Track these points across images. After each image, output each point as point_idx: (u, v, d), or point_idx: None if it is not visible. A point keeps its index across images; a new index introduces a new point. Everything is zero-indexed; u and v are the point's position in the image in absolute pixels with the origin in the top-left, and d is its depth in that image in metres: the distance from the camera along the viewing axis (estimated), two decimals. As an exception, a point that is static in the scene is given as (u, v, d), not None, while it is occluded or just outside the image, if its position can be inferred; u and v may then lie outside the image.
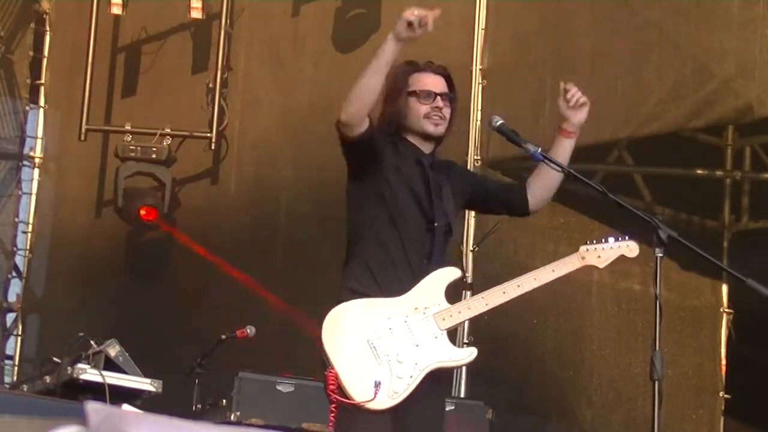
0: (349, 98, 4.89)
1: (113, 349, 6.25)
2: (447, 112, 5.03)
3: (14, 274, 10.35)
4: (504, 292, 4.91)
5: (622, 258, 5.04)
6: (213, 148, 9.33)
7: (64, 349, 6.46)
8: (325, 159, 8.87)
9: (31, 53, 10.39)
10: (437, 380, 4.78)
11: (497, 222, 7.92)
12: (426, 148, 5.02)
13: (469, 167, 8.06)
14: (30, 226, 10.29)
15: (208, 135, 9.32)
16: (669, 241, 4.47)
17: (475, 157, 8.05)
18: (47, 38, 10.38)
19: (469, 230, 8.01)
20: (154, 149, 9.34)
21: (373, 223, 4.87)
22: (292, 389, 6.80)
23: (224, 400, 6.87)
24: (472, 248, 7.95)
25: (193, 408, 7.09)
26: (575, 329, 8.18)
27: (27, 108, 10.43)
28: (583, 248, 5.05)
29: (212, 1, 9.51)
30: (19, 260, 10.34)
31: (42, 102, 10.42)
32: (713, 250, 8.14)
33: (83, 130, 9.51)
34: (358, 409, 4.59)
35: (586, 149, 7.79)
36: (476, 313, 4.87)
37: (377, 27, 8.69)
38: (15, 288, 10.35)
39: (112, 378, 6.13)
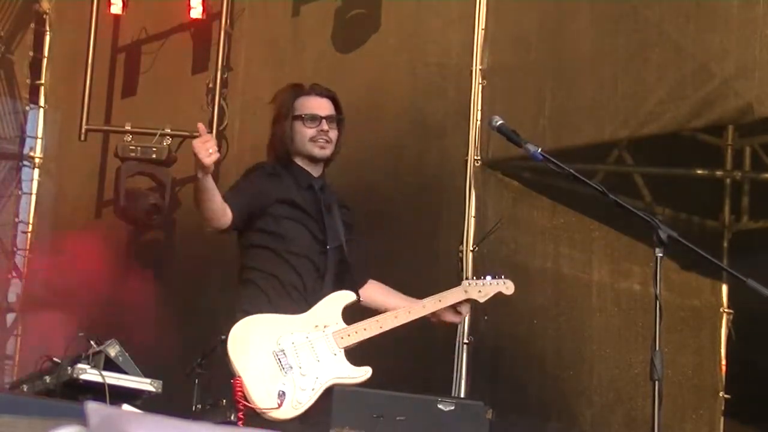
0: (203, 218, 5.09)
1: (113, 349, 6.25)
2: (333, 134, 5.22)
3: (14, 274, 10.35)
4: (396, 317, 5.22)
5: (500, 294, 5.48)
6: (213, 148, 9.32)
7: (64, 349, 6.47)
8: (325, 159, 8.88)
9: (31, 53, 10.39)
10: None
11: (497, 222, 7.92)
12: (315, 171, 5.24)
13: (469, 167, 8.06)
14: (30, 226, 10.29)
15: (208, 135, 9.31)
16: (669, 241, 4.47)
17: (475, 157, 8.04)
18: (47, 38, 10.39)
19: (469, 230, 8.00)
20: (154, 149, 9.34)
21: (264, 250, 5.11)
22: (292, 389, 6.79)
23: (224, 400, 6.87)
24: (472, 248, 7.95)
25: (193, 408, 7.09)
26: (575, 329, 8.18)
27: (27, 108, 10.43)
28: (465, 282, 5.39)
29: (212, 0, 9.51)
30: (19, 260, 10.34)
31: (42, 102, 10.42)
32: (713, 250, 8.14)
33: (83, 130, 9.51)
34: (269, 424, 4.82)
35: (586, 149, 7.83)
36: (372, 335, 5.18)
37: (377, 27, 8.69)
38: (15, 288, 10.35)
39: (112, 378, 6.12)
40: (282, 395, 4.86)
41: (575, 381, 8.16)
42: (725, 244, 8.83)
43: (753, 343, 8.54)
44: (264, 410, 4.80)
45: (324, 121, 5.20)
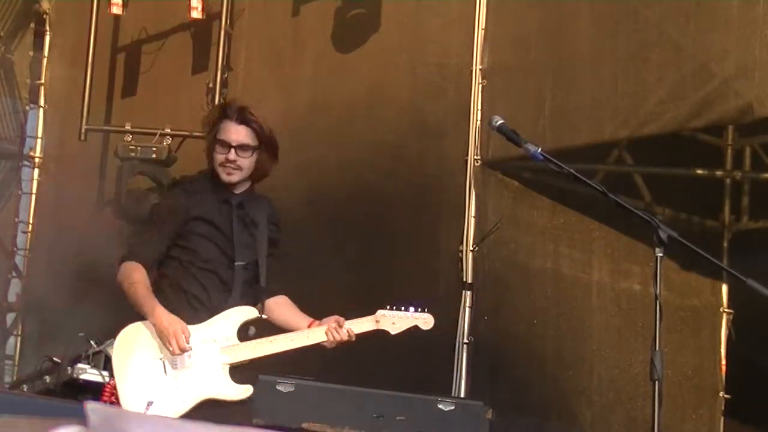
0: (120, 283, 5.35)
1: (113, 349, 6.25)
2: (243, 162, 5.31)
3: (14, 274, 10.35)
4: (292, 340, 5.23)
5: (416, 329, 5.38)
6: (213, 148, 9.32)
7: (64, 349, 6.47)
8: (325, 159, 8.88)
9: (31, 53, 10.38)
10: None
11: (497, 222, 7.92)
12: (236, 187, 5.34)
13: (469, 167, 8.06)
14: (30, 226, 10.28)
15: (208, 135, 9.31)
16: (669, 241, 4.46)
17: (475, 157, 8.04)
18: (47, 38, 10.38)
19: (469, 230, 8.00)
20: (154, 149, 9.33)
21: (175, 261, 5.22)
22: (292, 389, 6.80)
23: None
24: (472, 248, 7.95)
25: (193, 408, 7.09)
26: (575, 329, 8.18)
27: (27, 108, 10.43)
28: (380, 312, 5.36)
29: (212, 0, 9.51)
30: (19, 260, 10.34)
31: (42, 102, 10.41)
32: (713, 250, 8.13)
33: (83, 130, 9.51)
34: None
35: (586, 149, 7.83)
36: (261, 355, 5.17)
37: (377, 27, 8.70)
38: (15, 288, 10.35)
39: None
40: (149, 404, 4.90)
41: (575, 381, 8.16)
42: (725, 244, 8.82)
43: (753, 343, 8.54)
44: None
45: (233, 149, 5.30)
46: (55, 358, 6.41)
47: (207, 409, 5.00)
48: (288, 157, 9.19)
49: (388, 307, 5.25)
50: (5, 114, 10.38)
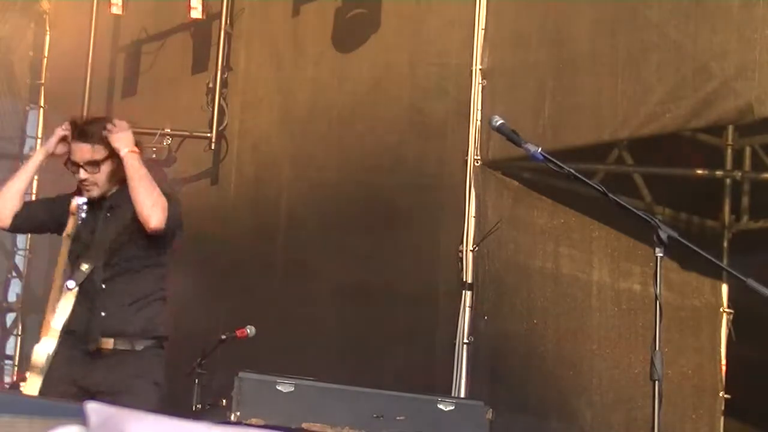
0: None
1: (113, 349, 6.24)
2: (97, 177, 5.38)
3: (14, 274, 10.35)
4: None
5: None
6: (213, 148, 9.33)
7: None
8: (325, 159, 8.88)
9: (31, 53, 10.39)
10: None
11: (497, 222, 7.92)
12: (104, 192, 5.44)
13: (469, 167, 8.06)
14: (30, 226, 10.26)
15: (208, 135, 9.32)
16: (669, 241, 4.46)
17: (475, 157, 8.04)
18: (47, 38, 10.38)
19: (469, 230, 8.00)
20: (154, 149, 9.33)
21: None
22: (292, 389, 6.80)
23: (224, 400, 6.87)
24: (472, 248, 7.95)
25: (193, 408, 7.09)
26: (575, 329, 8.18)
27: (27, 108, 10.43)
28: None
29: (212, 0, 9.51)
30: (19, 260, 10.35)
31: (42, 102, 10.42)
32: (713, 250, 8.14)
33: (83, 130, 9.50)
34: None
35: (586, 149, 7.83)
36: None
37: (377, 27, 8.69)
38: (15, 288, 10.36)
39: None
40: None
41: (575, 381, 8.15)
42: (725, 244, 8.82)
43: (753, 343, 8.54)
44: None
45: (81, 169, 5.39)
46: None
47: None
48: (288, 157, 9.23)
49: None
50: (5, 114, 10.38)
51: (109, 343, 5.26)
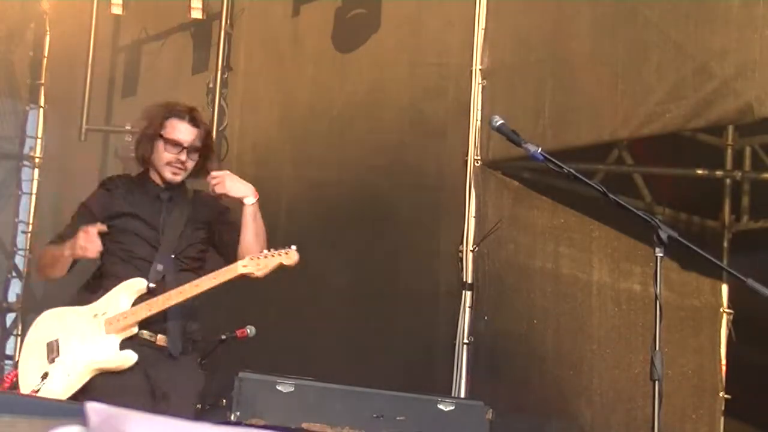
0: (39, 270, 5.58)
1: (113, 349, 6.24)
2: (190, 164, 5.31)
3: (14, 274, 10.35)
4: (168, 298, 5.23)
5: (281, 266, 5.33)
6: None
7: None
8: (325, 159, 8.88)
9: (31, 53, 10.39)
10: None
11: (497, 222, 7.92)
12: (166, 184, 5.35)
13: (469, 167, 8.06)
14: (30, 226, 10.29)
15: (208, 135, 9.32)
16: (669, 241, 4.46)
17: (475, 157, 8.04)
18: (47, 38, 10.38)
19: (469, 230, 8.00)
20: (154, 149, 9.33)
21: (108, 255, 5.29)
22: (292, 389, 6.80)
23: (224, 400, 6.87)
24: (472, 248, 7.95)
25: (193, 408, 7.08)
26: (575, 329, 8.18)
27: (27, 108, 10.43)
28: (247, 258, 5.30)
29: (212, 0, 9.51)
30: (19, 260, 10.35)
31: (42, 102, 10.42)
32: (713, 250, 8.14)
33: (83, 130, 9.52)
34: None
35: (586, 149, 7.83)
36: (141, 317, 5.19)
37: (377, 27, 8.69)
38: (15, 288, 10.36)
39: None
40: (45, 377, 5.05)
41: (575, 381, 8.15)
42: (725, 244, 8.83)
43: (753, 343, 8.54)
44: (30, 394, 4.92)
45: (185, 150, 5.28)
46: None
47: (102, 380, 5.09)
48: (288, 157, 9.23)
49: (250, 257, 5.28)
50: (5, 114, 10.38)
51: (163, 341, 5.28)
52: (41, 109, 10.45)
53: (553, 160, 4.73)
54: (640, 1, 7.52)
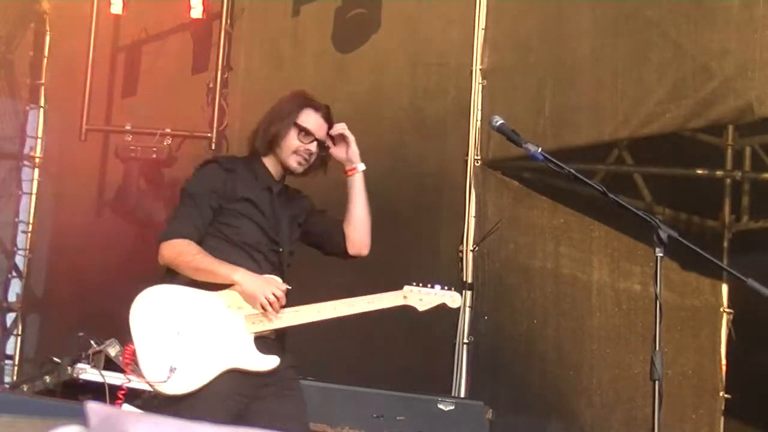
0: (173, 260, 4.96)
1: (113, 349, 6.25)
2: (314, 158, 5.17)
3: (14, 274, 10.36)
4: (318, 311, 5.06)
5: (444, 306, 5.10)
6: (213, 148, 9.33)
7: (64, 349, 6.47)
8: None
9: (31, 53, 10.39)
10: (288, 381, 4.98)
11: (497, 222, 7.92)
12: (279, 175, 5.17)
13: (469, 167, 8.06)
14: (30, 226, 10.29)
15: (208, 135, 9.33)
16: (669, 241, 4.46)
17: (476, 157, 8.05)
18: (47, 38, 10.38)
19: (469, 230, 8.01)
20: (154, 149, 9.34)
21: (220, 240, 4.98)
22: (292, 389, 6.79)
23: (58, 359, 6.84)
24: (472, 248, 7.96)
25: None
26: (575, 329, 8.19)
27: (27, 108, 10.43)
28: (407, 288, 5.12)
29: (212, 0, 9.52)
30: (19, 260, 10.35)
31: (42, 102, 10.42)
32: (713, 250, 8.14)
33: (83, 130, 9.52)
34: (193, 398, 4.69)
35: (586, 149, 7.83)
36: (286, 325, 4.98)
37: (377, 27, 8.70)
38: (15, 288, 10.36)
39: (112, 378, 6.12)
40: (173, 370, 4.69)
41: (575, 381, 8.16)
42: (725, 244, 8.83)
43: (753, 343, 8.54)
44: (151, 382, 4.66)
45: (315, 143, 5.16)
46: (55, 358, 6.41)
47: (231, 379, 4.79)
48: (288, 157, 9.24)
49: (414, 284, 5.10)
50: (5, 114, 10.38)
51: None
52: (41, 109, 10.45)
53: (553, 160, 4.73)
54: (640, 1, 7.53)
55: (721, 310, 8.65)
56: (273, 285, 4.90)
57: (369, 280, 8.25)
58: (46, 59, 10.38)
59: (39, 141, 10.39)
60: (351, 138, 5.27)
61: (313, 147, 5.13)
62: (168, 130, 9.38)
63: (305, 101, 5.26)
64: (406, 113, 8.51)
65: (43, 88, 10.41)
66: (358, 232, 5.30)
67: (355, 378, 6.92)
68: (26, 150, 10.42)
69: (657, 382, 4.32)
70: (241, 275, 4.85)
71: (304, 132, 5.14)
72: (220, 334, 4.82)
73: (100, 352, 6.25)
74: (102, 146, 9.95)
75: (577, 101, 7.73)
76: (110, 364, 6.20)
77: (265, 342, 4.92)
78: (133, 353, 4.70)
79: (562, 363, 8.16)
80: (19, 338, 10.21)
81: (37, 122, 10.47)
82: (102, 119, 9.85)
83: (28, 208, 10.38)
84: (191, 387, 4.70)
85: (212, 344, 4.80)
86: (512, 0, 8.20)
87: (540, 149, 4.71)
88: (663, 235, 4.45)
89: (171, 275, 4.97)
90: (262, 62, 9.50)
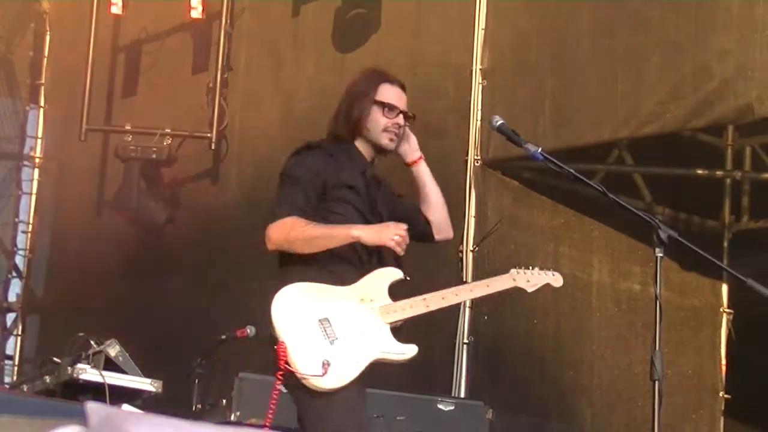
0: (284, 238, 4.87)
1: (113, 349, 6.26)
2: (402, 131, 5.11)
3: (14, 274, 10.36)
4: (443, 298, 5.04)
5: (548, 286, 5.14)
6: (213, 148, 9.34)
7: (64, 349, 6.46)
8: (325, 159, 8.88)
9: (31, 53, 10.40)
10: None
11: (497, 222, 7.92)
12: (370, 157, 5.11)
13: (469, 167, 8.06)
14: (30, 226, 10.30)
15: (208, 135, 9.33)
16: (669, 241, 4.46)
17: (476, 157, 8.05)
18: (47, 38, 10.39)
19: (469, 230, 8.01)
20: (154, 149, 9.34)
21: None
22: (293, 389, 6.79)
23: (224, 400, 6.87)
24: (472, 248, 7.96)
25: (193, 408, 7.09)
26: (575, 329, 8.19)
27: (27, 108, 10.44)
28: (513, 271, 5.12)
29: (212, 0, 9.52)
30: (19, 260, 10.35)
31: (42, 102, 10.43)
32: (713, 250, 8.13)
33: (83, 130, 9.52)
34: (330, 394, 4.67)
35: (586, 149, 7.83)
36: (417, 313, 4.98)
37: (377, 27, 8.70)
38: (15, 288, 10.36)
39: (112, 378, 6.13)
40: (327, 364, 4.68)
41: (575, 381, 8.16)
42: (725, 244, 8.83)
43: (753, 343, 8.54)
44: (307, 376, 4.64)
45: (401, 114, 5.07)
46: (55, 358, 6.41)
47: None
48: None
49: (517, 267, 5.10)
50: (5, 114, 10.39)
51: None
52: (41, 109, 10.46)
53: (553, 160, 4.73)
54: (641, 1, 7.53)
55: (721, 310, 8.66)
56: (392, 227, 4.86)
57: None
58: (46, 59, 10.39)
59: (39, 141, 10.40)
60: (406, 128, 5.17)
61: (400, 120, 5.05)
62: (168, 130, 9.38)
63: (379, 77, 5.10)
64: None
65: (43, 88, 10.41)
66: (439, 215, 5.23)
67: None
68: (26, 150, 10.43)
69: (657, 382, 4.33)
70: (358, 231, 4.82)
71: (387, 107, 5.03)
72: (362, 326, 4.83)
73: (100, 352, 6.25)
74: (102, 146, 9.95)
75: (577, 101, 7.73)
76: (110, 364, 6.20)
77: (399, 331, 4.93)
78: (286, 351, 4.68)
79: (562, 363, 8.16)
80: (19, 338, 10.21)
81: (37, 122, 10.48)
82: (102, 119, 9.86)
83: (28, 208, 10.39)
84: (346, 380, 4.71)
85: (357, 337, 4.80)
86: (512, 0, 8.20)
87: (540, 149, 4.72)
88: (663, 235, 4.45)
89: (285, 273, 4.92)
90: (262, 62, 9.50)
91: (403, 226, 4.87)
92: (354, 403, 4.77)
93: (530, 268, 5.12)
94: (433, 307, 5.00)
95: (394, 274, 4.99)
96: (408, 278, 4.99)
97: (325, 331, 4.76)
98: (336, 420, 4.72)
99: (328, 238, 4.81)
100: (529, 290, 5.10)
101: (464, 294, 5.19)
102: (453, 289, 5.11)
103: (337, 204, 4.92)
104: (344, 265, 4.88)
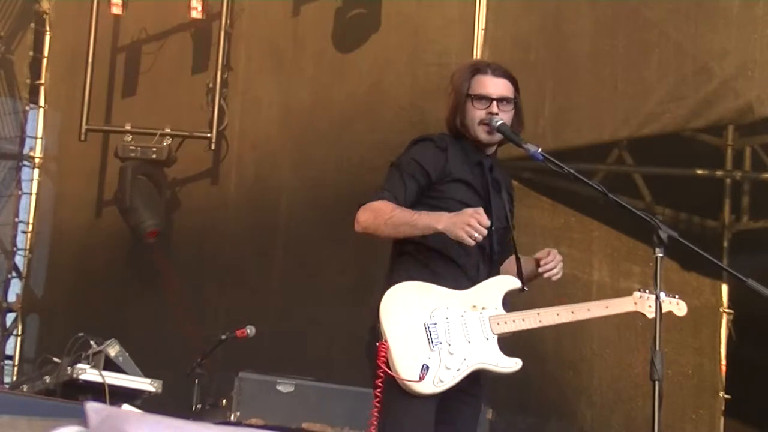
0: (370, 223, 4.86)
1: (113, 349, 6.26)
2: (505, 116, 4.90)
3: (14, 274, 10.35)
4: (557, 314, 4.98)
5: (670, 314, 4.99)
6: (213, 148, 9.33)
7: (64, 349, 6.47)
8: (325, 159, 8.89)
9: (31, 53, 10.39)
10: (477, 381, 4.85)
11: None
12: (486, 149, 4.96)
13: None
14: (30, 226, 10.28)
15: (208, 135, 9.32)
16: (669, 241, 4.46)
17: (476, 157, 8.03)
18: (47, 38, 10.38)
19: (469, 230, 7.99)
20: (154, 149, 9.34)
21: None
22: (292, 389, 6.81)
23: (224, 400, 6.87)
24: (472, 248, 7.94)
25: (193, 408, 7.10)
26: (575, 329, 8.18)
27: (27, 108, 10.43)
28: (636, 294, 5.00)
29: (212, 0, 9.51)
30: (19, 260, 10.34)
31: (42, 102, 10.42)
32: (713, 250, 8.14)
33: (83, 130, 9.51)
34: (407, 395, 4.60)
35: (586, 149, 7.83)
36: (529, 327, 4.93)
37: (377, 27, 8.70)
38: (15, 288, 10.35)
39: (112, 378, 6.13)
40: (425, 369, 4.60)
41: (575, 381, 8.16)
42: (725, 244, 8.82)
43: (753, 343, 8.54)
44: (404, 380, 4.57)
45: (495, 102, 4.87)
46: (55, 358, 6.41)
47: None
48: (288, 157, 9.24)
49: (640, 290, 4.97)
50: (5, 114, 10.38)
51: None
52: (41, 109, 10.44)
53: (553, 160, 4.73)
54: (640, 1, 7.53)
55: (721, 310, 8.65)
56: (466, 214, 4.66)
57: (370, 279, 8.27)
58: (46, 59, 10.38)
59: (39, 141, 10.38)
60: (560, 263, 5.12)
61: (494, 108, 4.86)
62: (168, 130, 9.38)
63: (472, 68, 4.98)
64: (406, 113, 8.51)
65: (43, 88, 10.40)
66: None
67: (355, 378, 6.91)
68: (26, 150, 10.42)
69: (657, 382, 4.33)
70: (444, 224, 4.67)
71: (477, 99, 4.87)
72: (469, 333, 4.76)
73: (100, 352, 6.25)
74: (102, 146, 9.95)
75: (577, 101, 7.73)
76: (110, 364, 6.21)
77: (505, 343, 4.85)
78: (387, 350, 4.60)
79: (562, 363, 8.16)
80: (19, 338, 10.20)
81: (37, 122, 10.47)
82: (102, 119, 9.85)
83: (28, 208, 10.37)
84: (442, 387, 4.66)
85: (462, 343, 4.73)
86: (512, 0, 8.20)
87: (540, 149, 4.71)
88: (663, 235, 4.45)
89: (394, 272, 4.88)
90: (262, 62, 9.50)
91: (480, 211, 4.67)
92: (428, 418, 4.68)
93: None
94: (546, 323, 4.94)
95: (512, 283, 4.93)
96: (526, 289, 4.92)
97: (430, 335, 4.68)
98: (408, 428, 4.65)
99: (413, 226, 4.73)
100: (650, 316, 4.86)
101: (580, 313, 5.02)
102: (569, 306, 5.01)
103: (443, 199, 4.82)
104: (452, 267, 4.79)
